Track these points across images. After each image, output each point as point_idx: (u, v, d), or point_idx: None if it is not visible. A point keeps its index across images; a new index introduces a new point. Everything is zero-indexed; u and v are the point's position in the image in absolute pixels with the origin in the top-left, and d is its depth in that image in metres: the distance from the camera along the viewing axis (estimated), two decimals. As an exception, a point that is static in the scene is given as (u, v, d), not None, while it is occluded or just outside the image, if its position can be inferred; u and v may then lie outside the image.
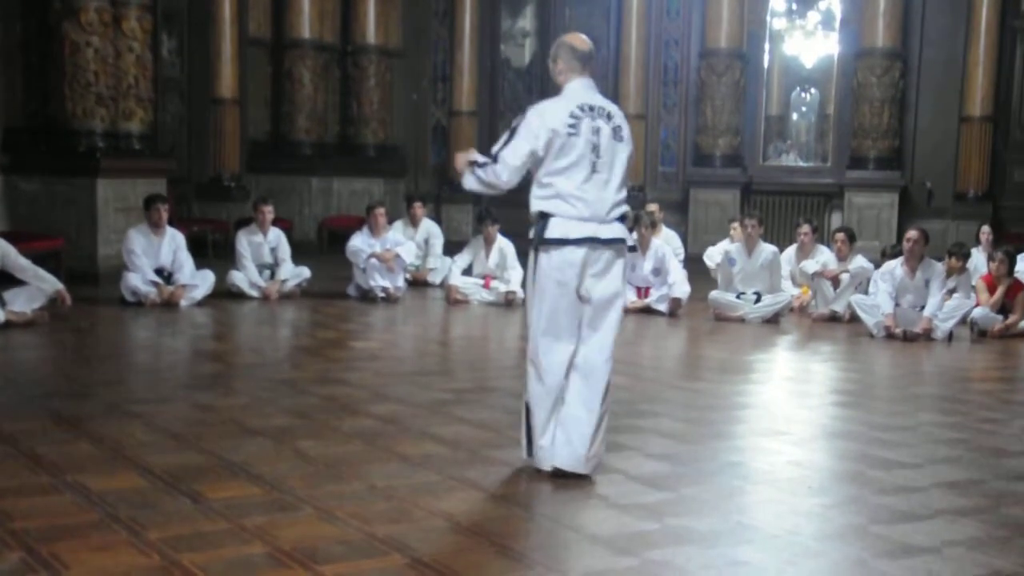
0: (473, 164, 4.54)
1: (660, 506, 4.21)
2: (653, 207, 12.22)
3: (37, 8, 10.68)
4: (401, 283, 10.78)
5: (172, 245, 9.80)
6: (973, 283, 9.84)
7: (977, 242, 11.33)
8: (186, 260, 9.84)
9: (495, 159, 4.48)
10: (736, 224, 10.98)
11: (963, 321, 9.40)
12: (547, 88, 16.55)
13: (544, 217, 4.48)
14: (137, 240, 9.64)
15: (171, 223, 10.12)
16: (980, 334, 9.40)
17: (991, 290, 9.60)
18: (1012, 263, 9.75)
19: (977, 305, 9.50)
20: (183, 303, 9.57)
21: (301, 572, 3.42)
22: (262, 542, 3.68)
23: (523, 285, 4.61)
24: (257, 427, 5.31)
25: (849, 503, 4.40)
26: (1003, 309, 9.53)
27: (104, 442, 4.92)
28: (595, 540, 3.85)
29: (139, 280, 9.52)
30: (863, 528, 4.06)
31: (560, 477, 4.48)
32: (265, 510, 4.02)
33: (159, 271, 9.68)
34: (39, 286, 8.37)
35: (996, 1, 14.60)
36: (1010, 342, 9.21)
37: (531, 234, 4.52)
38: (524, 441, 4.64)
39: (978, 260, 10.65)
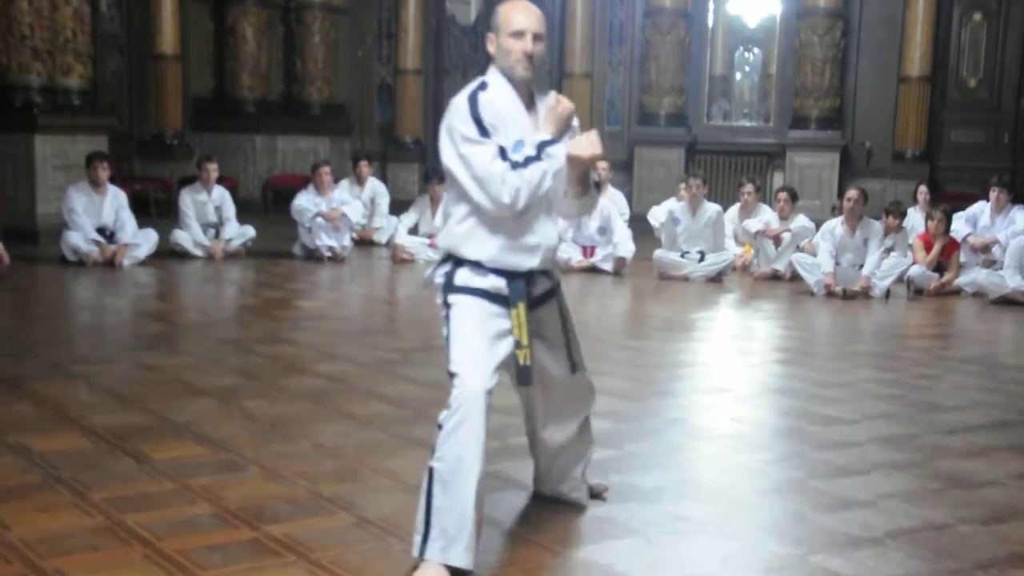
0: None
1: (605, 463, 4.23)
2: (603, 165, 12.15)
3: (-33, -40, 10.41)
4: (347, 242, 10.73)
5: (114, 204, 9.68)
6: (910, 242, 9.99)
7: (915, 201, 11.48)
8: (128, 219, 9.72)
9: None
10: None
11: (900, 279, 9.55)
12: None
13: None
14: (78, 198, 9.50)
15: (113, 181, 9.97)
16: (916, 292, 9.56)
17: (928, 249, 9.75)
18: (949, 222, 9.92)
19: (914, 263, 9.66)
20: (125, 262, 9.45)
21: (247, 532, 3.41)
22: (208, 502, 3.66)
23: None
24: (202, 387, 5.27)
25: (789, 458, 4.47)
26: (938, 267, 9.71)
27: (46, 402, 4.87)
28: (540, 497, 3.87)
29: (80, 239, 9.40)
30: (802, 482, 4.13)
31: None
32: (211, 470, 4.00)
33: (101, 230, 9.56)
34: (-24, 245, 8.24)
35: (934, -40, 14.72)
36: (945, 300, 9.39)
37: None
38: None
39: (915, 219, 10.80)
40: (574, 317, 3.73)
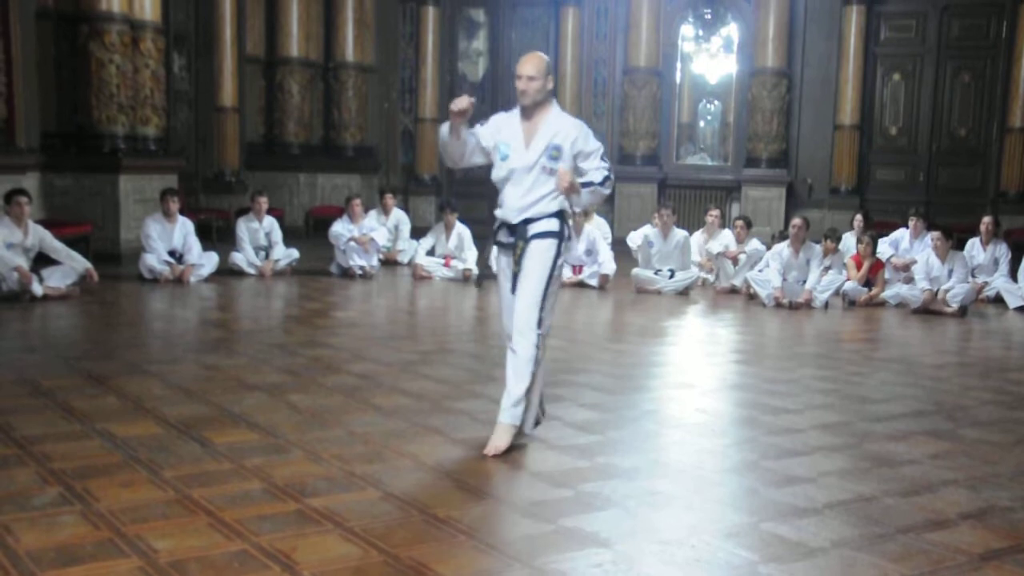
0: (583, 186, 4.02)
1: (591, 447, 4.24)
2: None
3: (68, 31, 10.52)
4: (375, 262, 10.73)
5: (182, 231, 9.68)
6: (844, 261, 9.98)
7: (851, 227, 11.46)
8: (194, 243, 9.72)
9: (606, 182, 4.08)
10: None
11: (836, 293, 9.54)
12: (498, 99, 16.48)
13: (563, 215, 4.12)
14: (153, 226, 9.52)
15: (181, 212, 9.98)
16: (850, 303, 9.55)
17: (858, 267, 9.75)
18: (875, 246, 9.92)
19: (848, 280, 9.65)
20: (192, 279, 9.45)
21: (292, 504, 3.41)
22: (259, 479, 3.66)
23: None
24: (255, 383, 5.27)
25: (744, 442, 4.46)
26: (868, 283, 9.70)
27: (127, 396, 4.87)
28: (537, 475, 3.87)
29: (155, 260, 9.41)
30: (755, 463, 4.12)
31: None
32: (262, 452, 4.00)
33: (172, 252, 9.56)
34: (71, 265, 8.29)
35: (862, 31, 14.80)
36: (873, 310, 9.37)
37: (552, 226, 4.07)
38: (537, 411, 4.24)
39: (849, 242, 10.78)
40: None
